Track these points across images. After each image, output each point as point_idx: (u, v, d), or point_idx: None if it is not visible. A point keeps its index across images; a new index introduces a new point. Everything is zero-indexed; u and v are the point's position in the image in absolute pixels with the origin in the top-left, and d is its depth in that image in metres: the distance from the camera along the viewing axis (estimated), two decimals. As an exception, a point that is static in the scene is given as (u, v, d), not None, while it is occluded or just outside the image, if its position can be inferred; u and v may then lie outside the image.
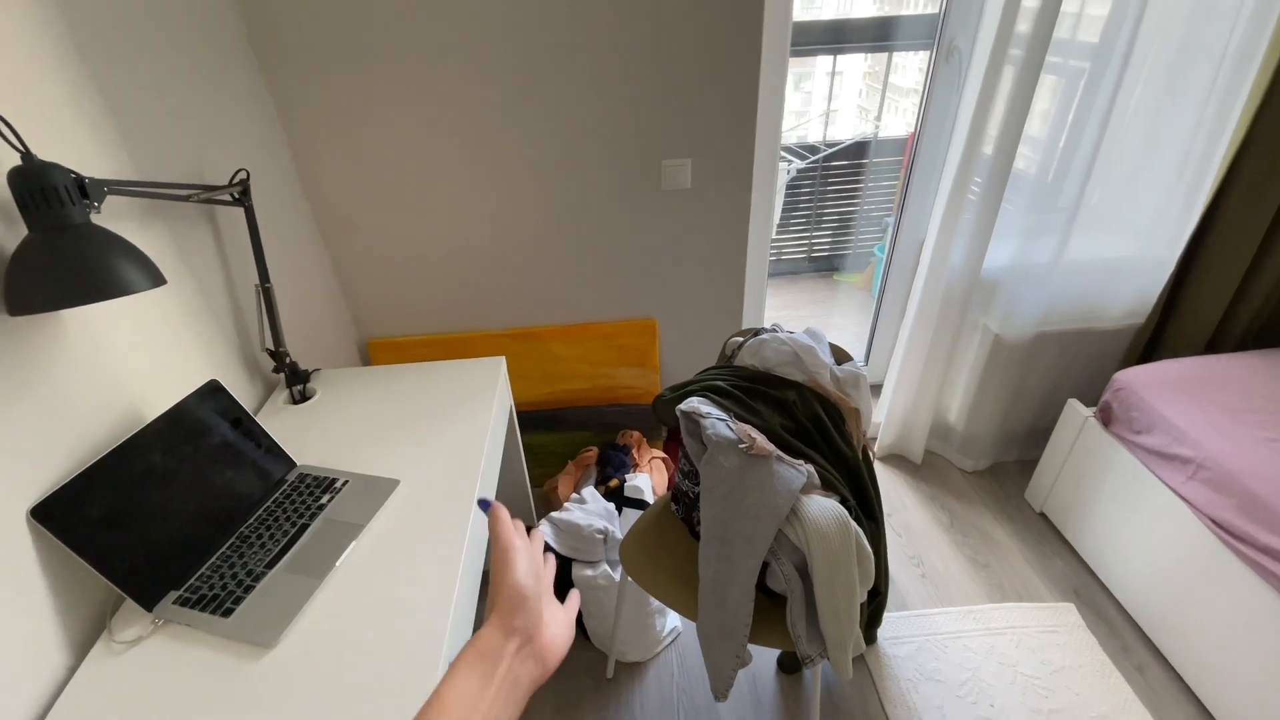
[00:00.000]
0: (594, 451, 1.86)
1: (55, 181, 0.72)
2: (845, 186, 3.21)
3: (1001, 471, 2.11)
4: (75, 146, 0.86)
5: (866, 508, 1.22)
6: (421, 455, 1.10)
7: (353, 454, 1.11)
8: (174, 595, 0.85)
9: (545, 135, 1.47)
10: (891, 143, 3.27)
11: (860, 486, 1.21)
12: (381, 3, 1.29)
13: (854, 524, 1.01)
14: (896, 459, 2.18)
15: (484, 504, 0.53)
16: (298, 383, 1.29)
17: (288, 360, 1.26)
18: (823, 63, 3.36)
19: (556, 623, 0.48)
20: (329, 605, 0.85)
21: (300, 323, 1.42)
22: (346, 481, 1.04)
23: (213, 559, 0.91)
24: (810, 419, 1.14)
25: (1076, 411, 1.74)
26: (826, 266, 3.51)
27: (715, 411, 1.10)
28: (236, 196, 1.11)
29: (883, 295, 2.21)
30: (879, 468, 2.14)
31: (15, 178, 0.70)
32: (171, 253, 1.04)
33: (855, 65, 3.52)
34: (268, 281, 1.19)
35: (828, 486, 1.11)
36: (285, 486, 1.03)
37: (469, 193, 1.54)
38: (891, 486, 2.07)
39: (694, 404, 1.13)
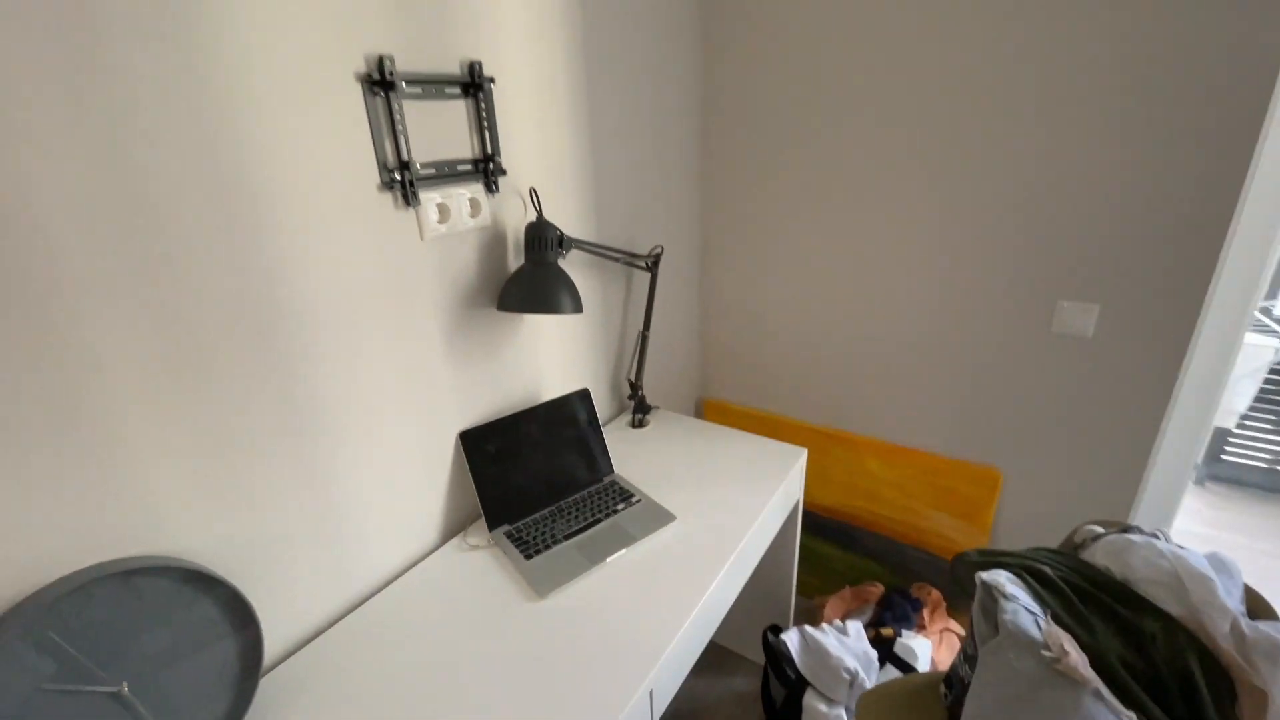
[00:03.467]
0: (879, 590, 1.69)
1: (548, 235, 1.10)
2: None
3: None
4: (563, 211, 1.27)
5: None
6: (702, 505, 1.21)
7: (653, 481, 1.29)
8: (506, 528, 1.15)
9: (932, 241, 1.44)
10: None
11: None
12: (810, 118, 1.51)
13: None
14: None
15: None
16: (640, 413, 1.57)
17: (639, 393, 1.56)
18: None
19: None
20: (591, 586, 1.02)
21: (657, 366, 1.72)
22: (639, 500, 1.22)
23: (537, 514, 1.19)
24: (1173, 669, 0.83)
25: None
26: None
27: (1024, 597, 0.90)
28: (649, 265, 1.45)
29: None
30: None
31: (529, 229, 1.10)
32: (595, 292, 1.42)
33: None
34: (648, 330, 1.51)
35: (1174, 775, 0.78)
36: (599, 485, 1.27)
37: (834, 286, 1.62)
38: None
39: (999, 578, 0.95)
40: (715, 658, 1.78)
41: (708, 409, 2.01)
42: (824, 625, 1.44)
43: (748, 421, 1.90)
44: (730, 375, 1.93)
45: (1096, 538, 0.99)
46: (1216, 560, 0.90)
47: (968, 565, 1.07)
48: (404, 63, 0.91)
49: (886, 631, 1.47)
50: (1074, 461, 1.44)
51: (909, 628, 1.51)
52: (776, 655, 1.42)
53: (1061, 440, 1.44)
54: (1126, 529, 0.97)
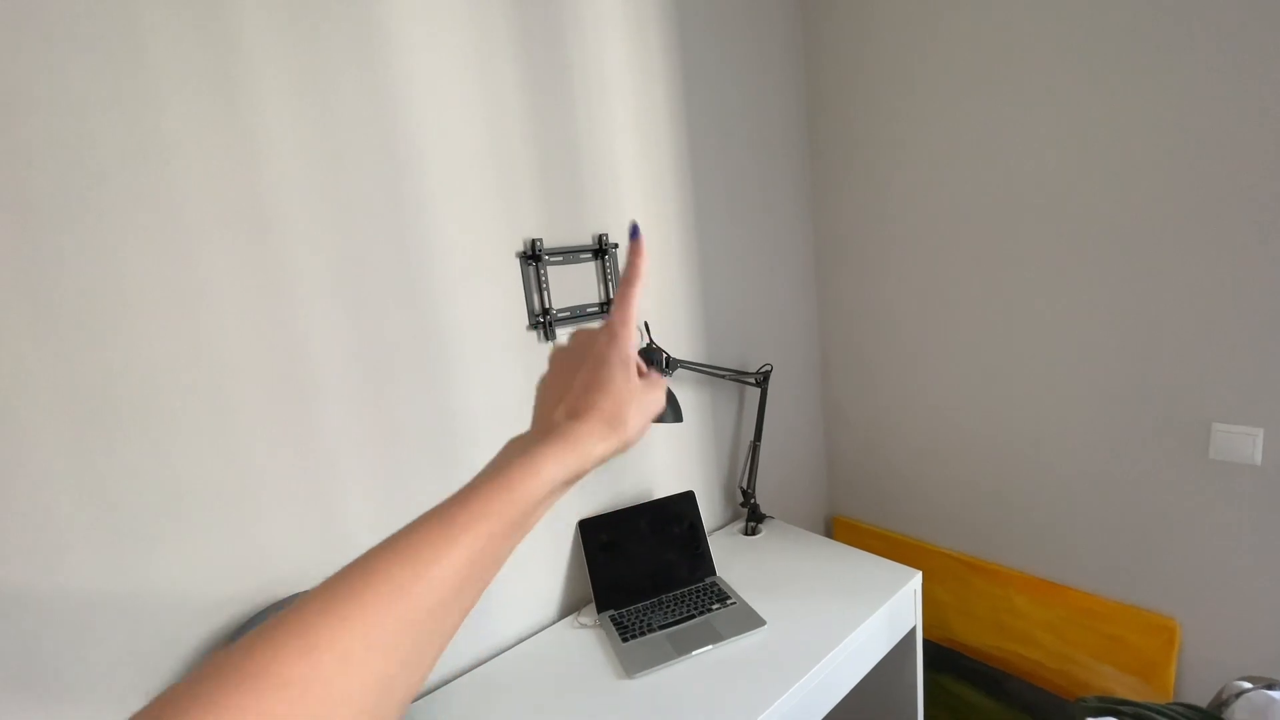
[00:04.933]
0: (1038, 753, 1.46)
1: (654, 358, 1.34)
2: None
3: None
4: (675, 336, 1.51)
5: None
6: (794, 615, 1.25)
7: (752, 587, 1.36)
8: (612, 612, 1.31)
9: (1070, 348, 1.38)
10: None
11: None
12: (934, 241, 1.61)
13: None
14: None
15: (634, 231, 0.46)
16: (753, 521, 1.65)
17: (752, 501, 1.65)
18: None
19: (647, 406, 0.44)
20: (673, 674, 1.12)
21: (777, 479, 1.80)
22: (734, 603, 1.30)
23: (639, 604, 1.32)
24: None
25: None
26: None
27: (1129, 749, 0.82)
28: (758, 381, 1.61)
29: None
30: None
31: (640, 353, 1.35)
32: (705, 406, 1.61)
33: None
34: (759, 441, 1.63)
35: None
36: (701, 584, 1.38)
37: (959, 404, 1.60)
38: None
39: (1105, 725, 0.86)
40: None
41: (837, 527, 1.99)
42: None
43: (878, 542, 1.85)
44: (861, 493, 1.92)
45: (1240, 694, 0.87)
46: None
47: (1082, 709, 0.98)
48: (550, 241, 1.26)
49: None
50: (1272, 615, 1.20)
51: (1067, 803, 1.29)
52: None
53: (1251, 588, 1.22)
54: (1272, 685, 0.84)
